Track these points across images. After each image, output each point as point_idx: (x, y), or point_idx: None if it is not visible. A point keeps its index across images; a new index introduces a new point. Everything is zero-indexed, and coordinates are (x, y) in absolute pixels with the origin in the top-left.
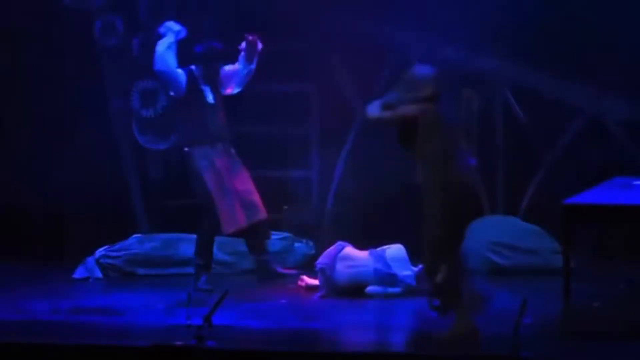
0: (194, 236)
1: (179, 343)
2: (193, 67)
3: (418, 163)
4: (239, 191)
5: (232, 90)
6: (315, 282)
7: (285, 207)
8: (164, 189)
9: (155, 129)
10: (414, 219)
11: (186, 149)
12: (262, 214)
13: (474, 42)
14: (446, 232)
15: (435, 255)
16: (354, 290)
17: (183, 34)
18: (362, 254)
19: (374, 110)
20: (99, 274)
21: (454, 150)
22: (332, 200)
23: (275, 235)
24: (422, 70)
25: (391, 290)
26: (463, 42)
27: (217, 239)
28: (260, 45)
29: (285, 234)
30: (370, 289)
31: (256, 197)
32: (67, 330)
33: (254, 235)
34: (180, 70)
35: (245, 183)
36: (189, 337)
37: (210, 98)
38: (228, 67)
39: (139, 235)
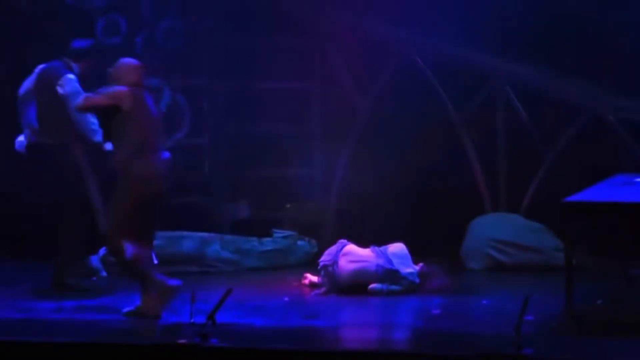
0: (197, 234)
1: (182, 341)
2: (73, 65)
3: (115, 147)
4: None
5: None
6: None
7: (288, 205)
8: (168, 186)
9: None
10: (415, 218)
11: (69, 145)
12: None
13: (475, 40)
14: (130, 215)
15: (119, 233)
16: (356, 286)
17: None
18: (365, 251)
19: (82, 98)
20: (103, 272)
21: (150, 140)
22: (335, 198)
23: (278, 234)
24: (127, 60)
25: (393, 287)
26: (465, 40)
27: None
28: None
29: (288, 232)
30: (372, 286)
31: None
32: (70, 329)
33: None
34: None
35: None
36: (192, 335)
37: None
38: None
39: None
